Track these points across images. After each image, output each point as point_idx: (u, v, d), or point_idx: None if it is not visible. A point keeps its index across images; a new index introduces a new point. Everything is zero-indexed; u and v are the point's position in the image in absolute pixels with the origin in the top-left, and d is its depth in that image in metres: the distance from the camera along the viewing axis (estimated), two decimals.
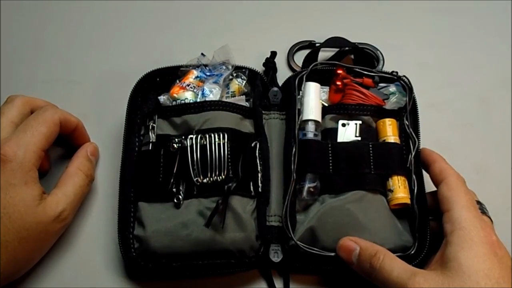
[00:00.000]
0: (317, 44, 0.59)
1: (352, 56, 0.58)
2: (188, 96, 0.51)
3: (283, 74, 0.56)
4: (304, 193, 0.47)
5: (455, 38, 0.65)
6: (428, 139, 0.51)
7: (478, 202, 0.45)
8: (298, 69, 0.59)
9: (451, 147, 0.56)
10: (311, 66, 0.52)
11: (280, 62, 0.58)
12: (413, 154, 0.48)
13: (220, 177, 0.46)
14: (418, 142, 0.49)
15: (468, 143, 0.57)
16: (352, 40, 0.58)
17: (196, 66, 0.54)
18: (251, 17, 0.65)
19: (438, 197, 0.44)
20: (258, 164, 0.48)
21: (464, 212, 0.40)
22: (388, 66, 0.59)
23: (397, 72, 0.52)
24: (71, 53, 0.61)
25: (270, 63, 0.57)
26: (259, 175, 0.48)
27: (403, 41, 0.63)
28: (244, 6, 0.66)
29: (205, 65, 0.54)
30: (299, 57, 0.60)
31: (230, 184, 0.44)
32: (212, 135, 0.47)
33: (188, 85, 0.52)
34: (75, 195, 0.46)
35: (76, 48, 0.62)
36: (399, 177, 0.48)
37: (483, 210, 0.45)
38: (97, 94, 0.58)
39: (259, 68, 0.55)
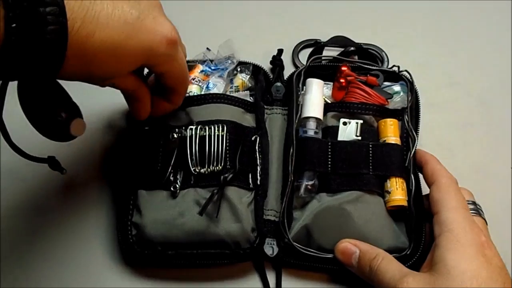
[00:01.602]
0: (322, 44, 0.60)
1: (356, 57, 0.58)
2: (193, 89, 0.52)
3: (288, 73, 0.56)
4: (302, 191, 0.47)
5: (455, 38, 0.64)
6: (428, 139, 0.51)
7: (473, 203, 0.45)
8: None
9: (451, 147, 0.55)
10: (309, 61, 0.53)
11: (285, 60, 0.58)
12: (412, 153, 0.48)
13: (218, 168, 0.47)
14: (417, 141, 0.49)
15: (468, 143, 0.56)
16: (356, 40, 0.58)
17: (202, 61, 0.55)
18: (257, 15, 0.66)
19: (429, 199, 0.44)
20: (258, 158, 0.49)
21: (452, 214, 0.40)
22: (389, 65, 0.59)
23: (398, 67, 0.52)
24: None
25: (277, 60, 0.57)
26: (258, 168, 0.48)
27: (403, 41, 0.63)
28: (251, 5, 0.66)
29: (211, 60, 0.54)
30: (305, 56, 0.60)
31: (226, 175, 0.45)
32: (212, 126, 0.48)
33: (193, 79, 0.53)
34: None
35: None
36: (397, 178, 0.47)
37: (477, 211, 0.44)
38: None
39: (265, 66, 0.56)
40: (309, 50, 0.60)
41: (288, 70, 0.58)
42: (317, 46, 0.60)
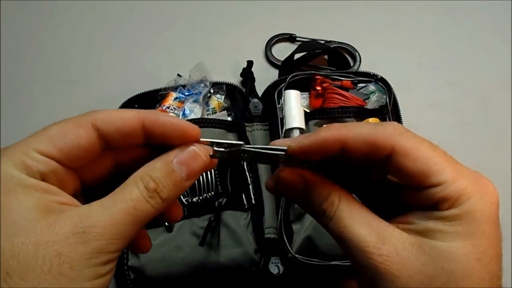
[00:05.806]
0: (297, 38, 0.60)
1: (326, 56, 0.58)
2: None
3: (261, 67, 0.55)
4: None
5: (455, 38, 0.65)
6: (428, 139, 0.51)
7: None
8: (276, 62, 0.60)
9: (451, 147, 0.55)
10: (288, 78, 0.52)
11: (258, 54, 0.58)
12: None
13: (210, 194, 0.45)
14: None
15: (468, 143, 0.57)
16: (345, 40, 0.58)
17: (174, 88, 0.53)
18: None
19: (399, 174, 0.29)
20: (248, 177, 0.48)
21: (466, 184, 0.27)
22: (388, 66, 0.59)
23: (375, 74, 0.53)
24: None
25: (247, 73, 0.57)
26: (250, 187, 0.47)
27: (403, 41, 0.64)
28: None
29: (183, 86, 0.53)
30: (278, 50, 0.60)
31: (220, 200, 0.44)
32: None
33: (168, 108, 0.52)
34: (121, 212, 0.26)
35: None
36: None
37: None
38: None
39: (237, 77, 0.55)
40: (282, 44, 0.60)
41: (259, 64, 0.57)
42: (293, 41, 0.61)
